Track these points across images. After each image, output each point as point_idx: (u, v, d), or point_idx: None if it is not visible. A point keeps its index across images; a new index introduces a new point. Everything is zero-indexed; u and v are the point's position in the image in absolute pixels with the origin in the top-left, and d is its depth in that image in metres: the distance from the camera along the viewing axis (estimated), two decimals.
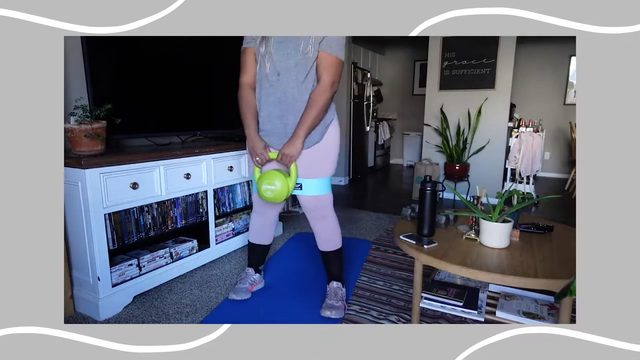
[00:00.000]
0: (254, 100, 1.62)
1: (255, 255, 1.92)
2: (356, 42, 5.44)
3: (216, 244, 2.26)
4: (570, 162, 5.23)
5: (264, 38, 1.53)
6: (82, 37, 1.70)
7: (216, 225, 2.26)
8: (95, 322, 1.65)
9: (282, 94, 1.53)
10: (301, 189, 1.62)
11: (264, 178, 1.54)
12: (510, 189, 1.51)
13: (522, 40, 5.14)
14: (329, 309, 1.65)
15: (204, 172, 2.12)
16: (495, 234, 1.30)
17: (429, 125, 4.12)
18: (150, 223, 1.85)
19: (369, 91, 5.30)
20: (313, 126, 1.53)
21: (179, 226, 2.01)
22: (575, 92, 5.37)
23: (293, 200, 3.33)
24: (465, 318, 1.35)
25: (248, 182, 2.44)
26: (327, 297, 1.73)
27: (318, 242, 1.77)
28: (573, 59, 5.32)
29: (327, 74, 1.51)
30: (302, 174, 1.61)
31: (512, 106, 4.34)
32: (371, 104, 5.37)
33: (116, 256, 1.83)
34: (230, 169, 2.29)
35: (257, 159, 1.60)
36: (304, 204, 1.67)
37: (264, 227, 1.87)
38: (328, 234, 1.73)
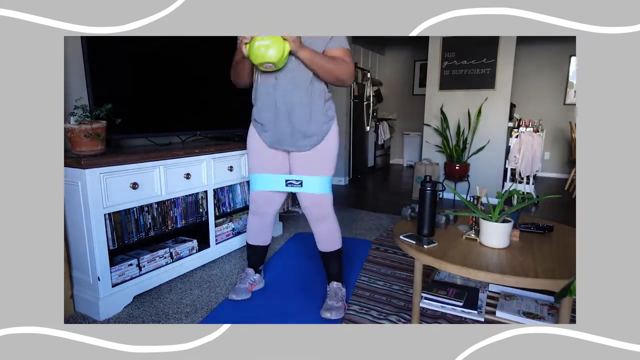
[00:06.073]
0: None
1: (255, 256, 1.92)
2: (356, 42, 5.44)
3: (216, 244, 2.26)
4: (570, 162, 5.23)
5: None
6: (82, 37, 1.70)
7: (216, 225, 2.26)
8: (95, 322, 1.65)
9: (281, 99, 1.53)
10: (301, 186, 1.63)
11: (258, 37, 1.39)
12: (510, 189, 1.51)
13: (522, 40, 5.13)
14: (329, 310, 1.65)
15: (204, 172, 2.12)
16: (495, 234, 1.30)
17: (429, 125, 4.12)
18: (150, 223, 1.85)
19: (369, 91, 5.30)
20: (316, 63, 1.46)
21: (179, 226, 2.01)
22: (575, 92, 5.37)
23: (293, 200, 3.33)
24: (465, 318, 1.35)
25: (248, 182, 2.44)
26: (327, 298, 1.73)
27: (317, 243, 1.76)
28: (573, 59, 5.32)
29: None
30: (303, 172, 1.63)
31: (512, 106, 4.35)
32: (371, 104, 5.37)
33: (116, 256, 1.83)
34: (230, 169, 2.29)
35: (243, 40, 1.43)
36: (303, 203, 1.67)
37: (262, 229, 1.85)
38: (328, 235, 1.73)
